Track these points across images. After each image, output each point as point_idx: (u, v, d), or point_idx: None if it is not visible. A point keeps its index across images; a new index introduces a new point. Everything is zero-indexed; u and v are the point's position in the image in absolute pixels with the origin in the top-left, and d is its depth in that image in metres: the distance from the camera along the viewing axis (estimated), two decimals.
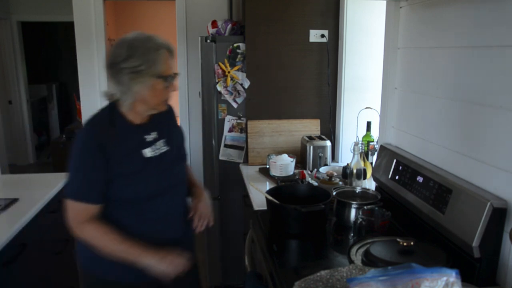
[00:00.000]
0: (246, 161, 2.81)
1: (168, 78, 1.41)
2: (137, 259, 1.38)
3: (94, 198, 1.41)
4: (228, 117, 2.81)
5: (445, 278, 0.89)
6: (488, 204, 1.24)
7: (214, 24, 2.90)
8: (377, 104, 2.25)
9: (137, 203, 1.46)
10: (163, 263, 1.38)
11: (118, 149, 1.41)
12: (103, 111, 1.47)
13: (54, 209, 2.24)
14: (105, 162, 1.38)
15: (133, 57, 1.34)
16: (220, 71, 2.72)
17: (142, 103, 1.42)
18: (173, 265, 1.39)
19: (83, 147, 1.40)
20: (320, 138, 2.65)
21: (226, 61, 2.72)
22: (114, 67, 1.36)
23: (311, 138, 2.64)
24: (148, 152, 1.47)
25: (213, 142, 2.83)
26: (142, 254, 1.38)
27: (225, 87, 2.73)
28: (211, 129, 2.82)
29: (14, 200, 2.07)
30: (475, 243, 1.26)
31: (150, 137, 1.49)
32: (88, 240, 1.41)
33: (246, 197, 2.43)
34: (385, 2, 2.04)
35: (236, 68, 2.73)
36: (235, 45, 2.71)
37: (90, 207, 1.40)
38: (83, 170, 1.40)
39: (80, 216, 1.40)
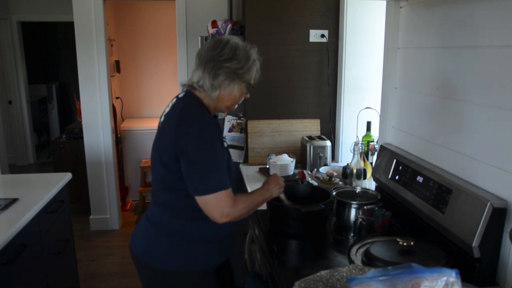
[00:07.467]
0: (246, 161, 2.81)
1: (250, 87, 1.55)
2: (269, 195, 1.62)
3: (229, 181, 1.46)
4: (228, 117, 2.81)
5: (445, 278, 0.89)
6: (488, 204, 1.24)
7: (214, 24, 2.90)
8: (377, 104, 2.25)
9: None
10: (279, 186, 1.66)
11: (220, 136, 1.52)
12: (192, 100, 1.50)
13: (54, 209, 2.24)
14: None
15: (236, 59, 1.46)
16: None
17: (224, 100, 1.52)
18: (282, 183, 1.68)
19: (210, 134, 1.43)
20: (320, 138, 2.65)
21: None
22: (215, 62, 1.46)
23: (311, 138, 2.63)
24: (224, 143, 1.59)
25: None
26: (269, 190, 1.62)
27: None
28: None
29: (14, 200, 2.07)
30: (475, 243, 1.26)
31: (219, 129, 1.60)
32: (243, 211, 1.46)
33: None
34: (385, 2, 2.04)
35: None
36: None
37: (230, 190, 1.45)
38: (218, 157, 1.44)
39: (231, 201, 1.43)
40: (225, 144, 1.60)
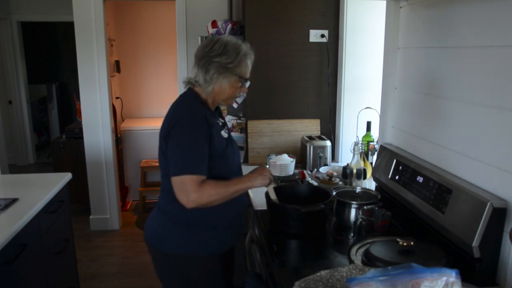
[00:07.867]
0: (246, 161, 2.81)
1: (244, 81, 1.63)
2: (249, 184, 1.63)
3: (205, 170, 1.52)
4: (228, 117, 2.81)
5: (445, 278, 0.89)
6: (488, 204, 1.24)
7: (214, 24, 2.90)
8: (377, 104, 2.25)
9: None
10: (263, 177, 1.66)
11: (213, 128, 1.58)
12: (190, 96, 1.63)
13: (54, 209, 2.24)
14: (209, 138, 1.55)
15: (226, 54, 1.57)
16: None
17: (218, 94, 1.62)
18: (268, 175, 1.67)
19: (195, 123, 1.53)
20: (320, 138, 2.65)
21: None
22: (206, 58, 1.58)
23: (311, 138, 2.63)
24: (224, 134, 1.67)
25: None
26: (250, 179, 1.63)
27: None
28: None
29: (14, 200, 2.07)
30: (475, 243, 1.26)
31: (220, 121, 1.70)
32: (210, 198, 1.51)
33: (246, 197, 2.43)
34: (385, 2, 2.04)
35: None
36: None
37: (202, 177, 1.51)
38: (197, 144, 1.52)
39: (196, 186, 1.49)
40: (226, 135, 1.68)
